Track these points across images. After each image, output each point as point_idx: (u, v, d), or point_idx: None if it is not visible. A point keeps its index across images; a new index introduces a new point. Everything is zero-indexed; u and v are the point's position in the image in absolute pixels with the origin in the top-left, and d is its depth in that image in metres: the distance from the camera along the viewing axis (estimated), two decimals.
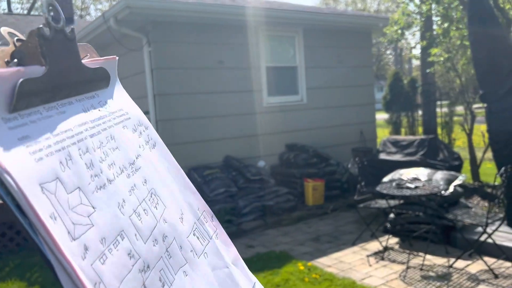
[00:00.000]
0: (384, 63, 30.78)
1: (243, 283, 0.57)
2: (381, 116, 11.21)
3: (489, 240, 4.21)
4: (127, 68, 6.97)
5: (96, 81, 0.50)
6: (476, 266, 4.14)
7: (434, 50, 6.61)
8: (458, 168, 5.87)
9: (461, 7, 5.88)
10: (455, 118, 8.23)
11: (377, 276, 4.12)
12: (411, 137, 6.44)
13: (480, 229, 4.50)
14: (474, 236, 4.43)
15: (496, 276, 3.90)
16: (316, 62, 7.59)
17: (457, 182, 4.80)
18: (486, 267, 4.04)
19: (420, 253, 4.50)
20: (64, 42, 0.45)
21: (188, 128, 6.41)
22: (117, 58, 0.55)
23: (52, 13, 0.45)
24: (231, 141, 6.79)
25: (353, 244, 5.01)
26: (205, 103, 6.55)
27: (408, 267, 4.24)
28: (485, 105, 4.53)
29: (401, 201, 4.94)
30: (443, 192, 4.62)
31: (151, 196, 0.48)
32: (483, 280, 3.86)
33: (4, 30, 0.43)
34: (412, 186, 4.44)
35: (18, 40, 0.43)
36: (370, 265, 4.38)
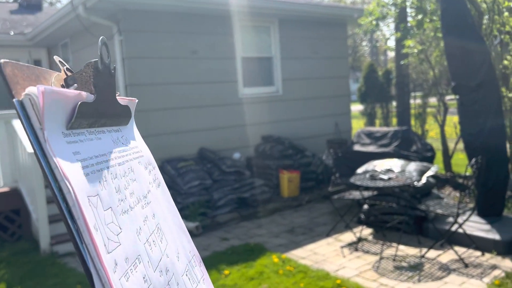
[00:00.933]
0: (360, 54, 31.01)
1: None
2: (356, 108, 11.29)
3: (460, 230, 4.28)
4: (96, 57, 6.75)
5: (122, 117, 0.56)
6: (447, 256, 4.20)
7: (408, 42, 6.64)
8: (430, 159, 5.95)
9: None
10: (429, 110, 8.34)
11: (351, 267, 4.13)
12: (385, 129, 6.49)
13: (451, 219, 4.57)
14: (445, 226, 4.49)
15: (466, 266, 3.96)
16: (292, 53, 7.54)
17: (429, 173, 4.86)
18: (456, 257, 4.10)
19: (393, 244, 4.54)
20: (108, 77, 0.51)
21: (161, 119, 6.28)
22: (136, 100, 0.62)
23: (104, 50, 0.52)
24: (206, 132, 6.70)
25: (328, 235, 5.02)
26: (179, 94, 6.43)
27: (381, 258, 4.27)
28: (457, 97, 4.58)
29: (375, 192, 4.97)
30: (416, 183, 4.66)
31: (158, 230, 0.52)
32: (454, 270, 3.92)
33: (56, 58, 0.52)
34: (386, 177, 4.46)
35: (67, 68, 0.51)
36: (344, 256, 4.40)
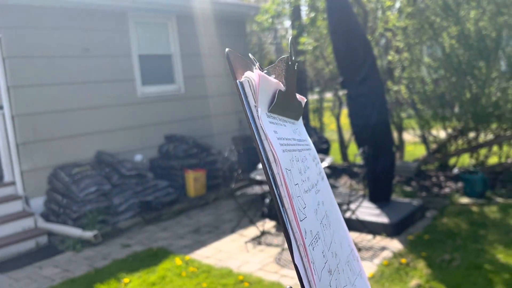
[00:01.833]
0: (265, 52, 31.71)
1: None
2: None
3: (353, 217, 4.54)
4: None
5: (298, 112, 0.60)
6: None
7: (303, 39, 6.91)
8: (326, 151, 6.24)
9: None
10: (325, 104, 8.78)
11: (254, 261, 4.18)
12: None
13: (345, 206, 4.84)
14: (342, 214, 4.74)
15: (359, 249, 4.21)
16: (192, 50, 7.44)
17: (325, 164, 5.09)
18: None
19: None
20: (293, 72, 0.55)
21: (52, 123, 5.82)
22: (305, 100, 0.65)
23: (292, 48, 0.56)
24: (103, 135, 6.35)
25: (232, 231, 5.04)
26: (71, 95, 6.01)
27: (283, 249, 4.38)
28: (346, 91, 4.85)
29: None
30: None
31: (326, 217, 0.54)
32: None
33: (250, 55, 0.57)
34: None
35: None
36: (248, 252, 4.44)
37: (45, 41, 5.76)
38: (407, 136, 7.93)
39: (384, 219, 4.58)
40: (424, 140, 6.90)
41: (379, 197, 5.01)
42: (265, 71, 0.54)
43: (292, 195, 0.45)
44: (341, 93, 7.39)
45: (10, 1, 5.40)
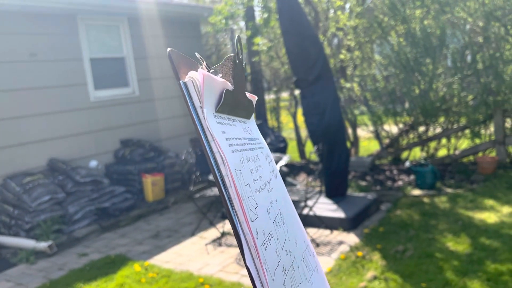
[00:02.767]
0: (222, 53, 31.66)
1: None
2: None
3: (311, 213, 4.63)
4: None
5: (248, 110, 0.60)
6: None
7: (257, 40, 6.96)
8: (284, 150, 6.33)
9: None
10: (282, 104, 8.89)
11: (215, 263, 4.18)
12: None
13: (303, 203, 4.92)
14: (298, 211, 4.82)
15: (317, 245, 4.30)
16: (146, 53, 7.32)
17: (282, 162, 5.16)
18: (309, 238, 4.43)
19: None
20: (241, 70, 0.55)
21: (0, 131, 5.57)
22: (256, 98, 0.65)
23: (239, 46, 0.56)
24: (55, 141, 6.14)
25: (192, 234, 5.01)
26: (20, 101, 5.77)
27: None
28: (299, 90, 4.94)
29: None
30: None
31: (280, 215, 0.54)
32: None
33: (197, 54, 0.57)
34: None
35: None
36: (208, 254, 4.43)
37: None
38: (362, 132, 8.16)
39: (340, 214, 4.69)
40: (377, 136, 7.14)
41: (335, 192, 5.13)
42: (212, 70, 0.54)
43: (242, 196, 0.45)
44: (297, 92, 7.51)
45: None
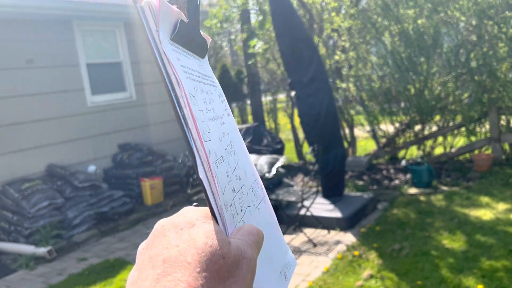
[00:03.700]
0: (221, 55, 31.65)
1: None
2: None
3: (308, 213, 4.66)
4: None
5: (203, 49, 0.59)
6: (299, 239, 4.55)
7: (253, 42, 7.00)
8: (280, 151, 6.37)
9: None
10: (279, 105, 8.92)
11: None
12: (238, 126, 6.76)
13: (299, 204, 4.95)
14: (296, 212, 4.85)
15: (315, 245, 4.34)
16: (142, 57, 7.36)
17: (279, 164, 5.19)
18: (307, 238, 4.46)
19: None
20: (196, 7, 0.55)
21: None
22: (210, 39, 0.64)
23: None
24: (53, 147, 6.17)
25: None
26: (17, 108, 5.80)
27: None
28: (294, 92, 4.98)
29: None
30: (267, 174, 4.94)
31: (231, 147, 0.56)
32: (305, 251, 4.27)
33: None
34: None
35: None
36: None
37: None
38: (359, 132, 8.20)
39: (337, 214, 4.73)
40: (374, 135, 7.17)
41: (332, 192, 5.16)
42: (170, 1, 0.53)
43: (196, 118, 0.47)
44: (293, 93, 7.55)
45: None
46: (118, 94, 7.11)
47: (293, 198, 4.46)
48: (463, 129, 6.67)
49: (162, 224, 0.42)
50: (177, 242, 0.38)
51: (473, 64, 6.23)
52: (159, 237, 0.40)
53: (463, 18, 6.25)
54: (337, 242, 4.37)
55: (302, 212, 4.63)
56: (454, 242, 4.10)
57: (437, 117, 6.82)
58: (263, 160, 5.32)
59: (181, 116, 0.46)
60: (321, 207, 4.92)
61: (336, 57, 6.92)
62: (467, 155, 6.73)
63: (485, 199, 5.12)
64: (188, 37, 0.53)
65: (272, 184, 5.15)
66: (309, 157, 4.61)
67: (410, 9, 6.24)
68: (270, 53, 7.75)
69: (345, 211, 4.76)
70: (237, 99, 9.43)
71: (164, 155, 6.95)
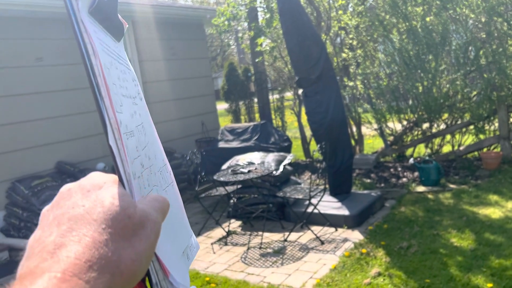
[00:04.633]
0: (228, 53, 31.70)
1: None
2: (223, 106, 11.62)
3: (315, 211, 4.66)
4: None
5: (119, 31, 0.59)
6: (307, 236, 4.55)
7: (260, 40, 7.01)
8: (288, 149, 6.37)
9: None
10: (286, 103, 8.92)
11: (220, 262, 4.23)
12: (245, 124, 6.78)
13: (307, 202, 4.96)
14: (303, 209, 4.86)
15: (322, 243, 4.34)
16: (150, 55, 7.40)
17: (286, 161, 5.20)
18: (314, 236, 4.47)
19: (260, 232, 4.77)
20: None
21: (8, 135, 5.66)
22: (127, 25, 0.64)
23: None
24: (63, 144, 6.23)
25: (199, 234, 5.06)
26: (26, 106, 5.86)
27: (248, 248, 4.45)
28: (302, 89, 4.98)
29: (239, 186, 5.15)
30: (274, 172, 4.95)
31: (142, 127, 0.56)
32: (312, 248, 4.27)
33: None
34: (246, 170, 4.65)
35: None
36: (214, 253, 4.48)
37: None
38: (367, 130, 8.18)
39: (345, 212, 4.72)
40: (381, 133, 7.15)
41: (339, 190, 5.16)
42: None
43: (110, 88, 0.46)
44: (300, 91, 7.55)
45: None
46: None
47: (300, 196, 4.47)
48: (471, 127, 6.63)
49: (68, 187, 0.42)
50: (83, 202, 0.39)
51: (482, 61, 6.18)
52: (65, 198, 0.40)
53: (472, 15, 6.21)
54: (345, 240, 4.37)
55: (310, 209, 4.64)
56: (462, 240, 4.08)
57: (445, 115, 6.78)
58: (270, 157, 5.32)
59: (94, 84, 0.45)
60: (329, 205, 4.92)
61: (344, 55, 6.90)
62: (476, 153, 6.69)
63: (494, 197, 5.09)
64: (106, 15, 0.53)
65: (279, 182, 5.16)
66: (317, 154, 4.61)
67: (418, 7, 6.21)
68: (277, 51, 7.75)
69: (353, 209, 4.76)
70: (244, 97, 9.45)
71: (171, 153, 6.99)
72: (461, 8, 6.22)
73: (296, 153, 8.26)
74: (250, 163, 5.14)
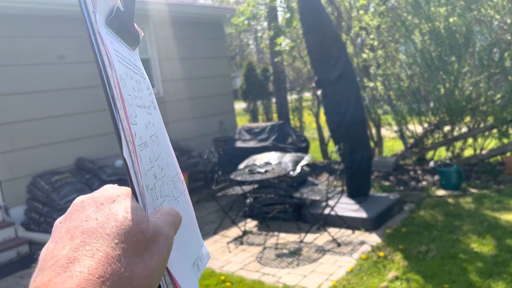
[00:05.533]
0: (247, 53, 31.74)
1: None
2: (241, 105, 11.62)
3: (332, 213, 4.62)
4: None
5: (134, 39, 0.59)
6: (323, 238, 4.51)
7: (280, 40, 6.98)
8: (305, 149, 6.33)
9: None
10: (304, 104, 8.87)
11: (236, 261, 4.23)
12: (263, 124, 6.76)
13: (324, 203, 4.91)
14: (320, 211, 4.81)
15: (339, 245, 4.29)
16: (170, 54, 7.45)
17: (303, 162, 5.17)
18: (331, 238, 4.43)
19: (276, 233, 4.75)
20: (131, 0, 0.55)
21: (29, 131, 5.77)
22: (143, 33, 0.65)
23: None
24: (83, 141, 6.32)
25: (215, 233, 5.07)
26: (48, 102, 5.97)
27: (264, 248, 4.44)
28: (321, 90, 4.94)
29: (256, 186, 5.14)
30: (291, 173, 4.92)
31: (156, 137, 0.56)
32: (328, 250, 4.23)
33: None
34: (263, 170, 4.64)
35: None
36: (230, 252, 4.48)
37: (19, 49, 5.71)
38: (386, 132, 8.07)
39: (362, 214, 4.67)
40: (402, 135, 7.05)
41: (357, 192, 5.10)
42: None
43: (125, 99, 0.47)
44: (319, 92, 7.49)
45: None
46: None
47: (317, 197, 4.43)
48: (494, 130, 6.48)
49: (81, 199, 0.42)
50: (96, 215, 0.38)
51: (507, 63, 6.03)
52: (78, 211, 0.40)
53: (497, 16, 6.07)
54: (362, 243, 4.32)
55: (327, 211, 4.60)
56: (483, 246, 3.98)
57: (468, 118, 6.64)
58: (287, 158, 5.30)
59: (110, 96, 0.45)
60: (346, 207, 4.86)
61: (364, 56, 6.82)
62: (499, 158, 6.54)
63: None
64: (122, 24, 0.53)
65: (296, 182, 5.13)
66: (335, 156, 4.56)
67: (441, 7, 6.09)
68: (296, 51, 7.71)
69: (371, 212, 4.70)
70: (262, 97, 9.43)
71: (189, 151, 7.02)
72: (485, 9, 6.08)
73: (314, 154, 8.21)
74: (267, 163, 5.12)
